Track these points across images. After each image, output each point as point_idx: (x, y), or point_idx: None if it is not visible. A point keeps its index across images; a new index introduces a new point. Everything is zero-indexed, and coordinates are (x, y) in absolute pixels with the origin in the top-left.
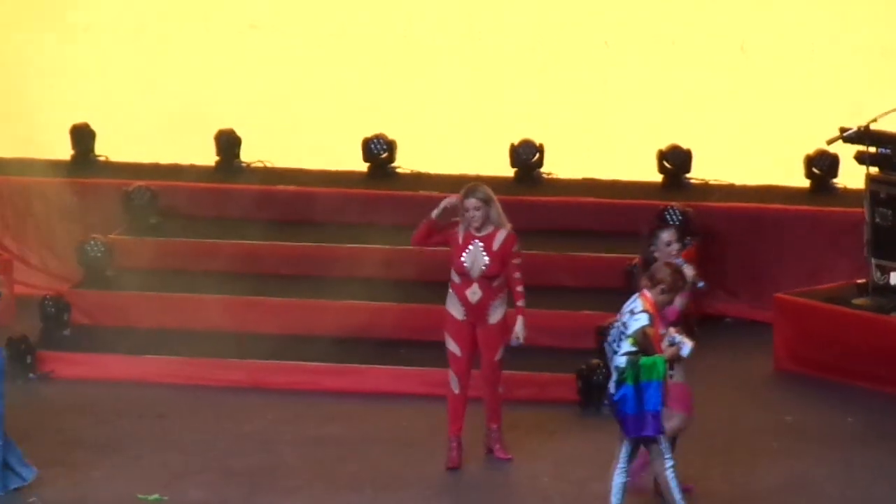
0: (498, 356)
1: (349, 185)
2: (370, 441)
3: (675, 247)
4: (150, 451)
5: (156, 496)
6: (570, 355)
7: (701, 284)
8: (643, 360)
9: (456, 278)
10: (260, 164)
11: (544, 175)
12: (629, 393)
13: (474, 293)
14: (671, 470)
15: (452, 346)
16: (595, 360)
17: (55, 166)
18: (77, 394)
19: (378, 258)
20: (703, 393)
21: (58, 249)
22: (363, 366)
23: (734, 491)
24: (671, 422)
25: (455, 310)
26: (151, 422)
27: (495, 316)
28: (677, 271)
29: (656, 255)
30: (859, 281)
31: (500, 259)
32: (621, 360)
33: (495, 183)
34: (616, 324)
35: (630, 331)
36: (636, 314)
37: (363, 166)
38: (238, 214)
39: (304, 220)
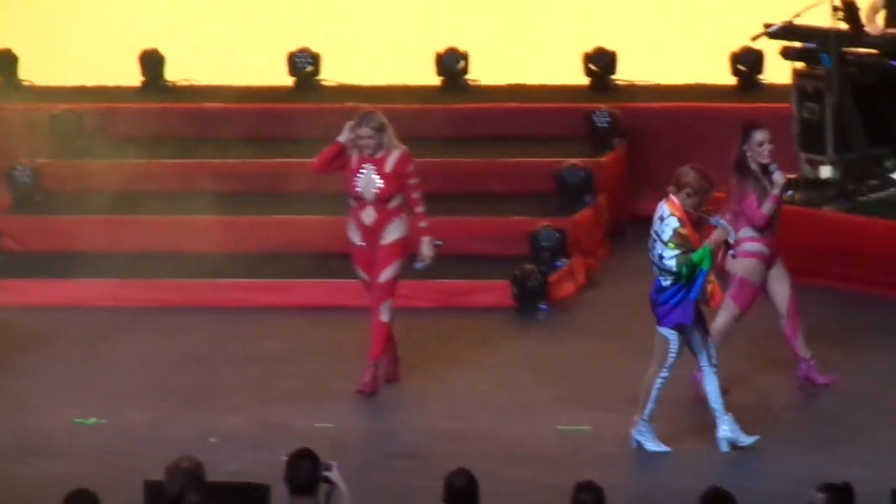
0: (385, 277)
1: (275, 100)
2: (306, 355)
3: (768, 147)
4: (87, 376)
5: (93, 419)
6: (504, 262)
7: (790, 193)
8: (694, 254)
9: (352, 202)
10: (185, 83)
11: (470, 82)
12: (679, 287)
13: (368, 215)
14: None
15: (361, 274)
16: (529, 266)
17: None
18: (9, 321)
19: (306, 172)
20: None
21: None
22: (296, 280)
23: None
24: (722, 315)
25: (354, 236)
26: (87, 346)
27: (389, 237)
28: (703, 175)
29: (749, 154)
30: (789, 176)
31: (394, 180)
32: (671, 263)
33: (423, 92)
34: (651, 234)
35: (665, 237)
36: (665, 219)
37: (289, 80)
38: (166, 133)
39: (231, 136)
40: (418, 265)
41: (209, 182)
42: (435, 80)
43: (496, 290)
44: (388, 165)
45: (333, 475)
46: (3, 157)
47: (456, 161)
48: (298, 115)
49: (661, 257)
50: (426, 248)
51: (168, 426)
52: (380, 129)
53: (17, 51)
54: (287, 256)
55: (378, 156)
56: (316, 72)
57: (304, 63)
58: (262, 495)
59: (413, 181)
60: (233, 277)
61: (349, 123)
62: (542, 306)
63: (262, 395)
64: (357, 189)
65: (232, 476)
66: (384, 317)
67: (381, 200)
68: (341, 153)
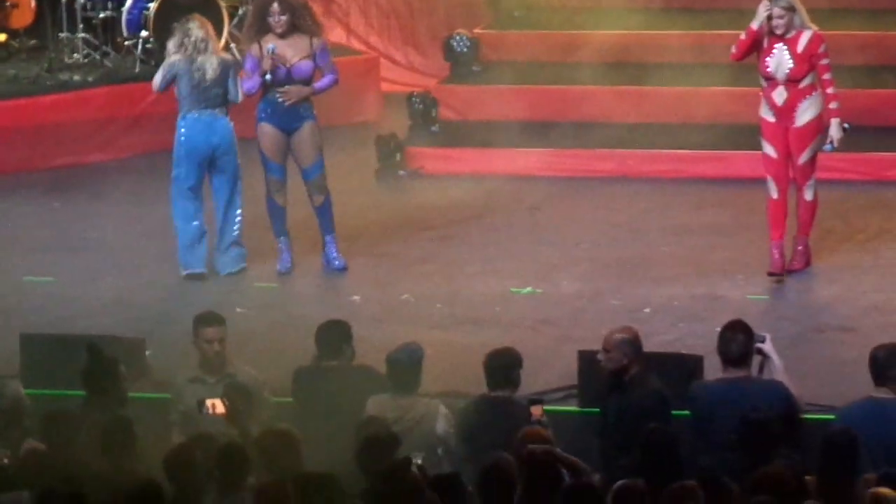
0: (804, 158)
1: None
2: (742, 227)
3: None
4: (522, 245)
5: (529, 289)
6: None
7: None
8: None
9: (763, 82)
10: None
11: None
12: None
13: (780, 95)
14: None
15: (768, 148)
16: None
17: None
18: (447, 189)
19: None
20: None
21: (422, 46)
22: (733, 151)
23: None
24: None
25: (766, 113)
26: (522, 215)
27: (803, 118)
28: None
29: None
30: None
31: (806, 60)
32: None
33: None
34: None
35: None
36: None
37: None
38: (605, 3)
39: (681, 6)
40: (826, 147)
41: (649, 53)
42: None
43: None
44: (800, 45)
45: (766, 347)
46: (442, 26)
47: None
48: None
49: None
50: (835, 130)
51: (602, 296)
52: (791, 9)
53: None
54: (722, 126)
55: (789, 36)
56: None
57: None
58: (696, 365)
59: (824, 61)
60: (667, 148)
61: (763, 5)
62: None
63: (696, 267)
64: (768, 69)
65: (666, 346)
66: (808, 195)
67: (792, 80)
68: (757, 40)
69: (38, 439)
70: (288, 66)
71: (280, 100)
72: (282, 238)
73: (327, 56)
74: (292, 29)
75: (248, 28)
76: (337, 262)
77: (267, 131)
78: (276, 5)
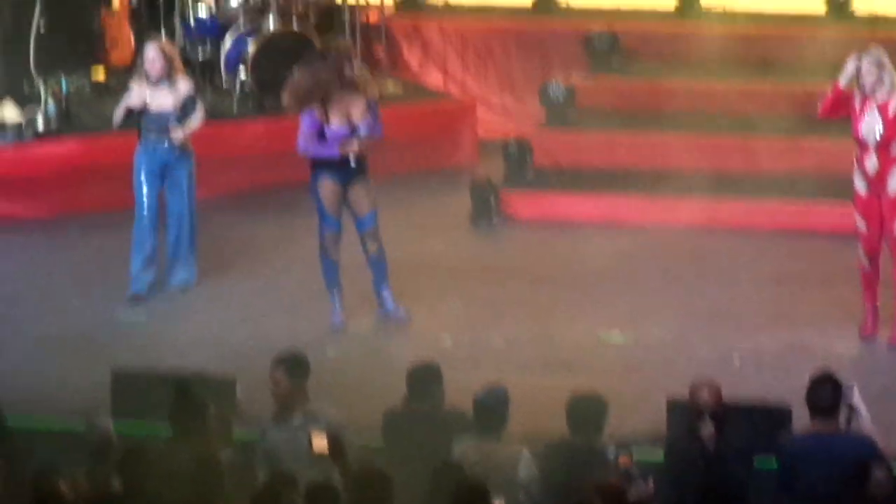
0: None
1: (810, 24)
2: (832, 279)
3: None
4: (612, 291)
5: (618, 335)
6: None
7: None
8: None
9: (856, 149)
10: (720, 9)
11: None
12: None
13: (871, 162)
14: None
15: (860, 221)
16: None
17: (516, 11)
18: (540, 234)
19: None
20: None
21: (518, 91)
22: (825, 203)
23: None
24: None
25: (859, 182)
26: (614, 261)
27: (894, 185)
28: None
29: None
30: None
31: None
32: None
33: None
34: None
35: None
36: None
37: (821, 9)
38: (697, 56)
39: (765, 60)
40: None
41: (736, 104)
42: None
43: None
44: (892, 108)
45: (854, 398)
46: (539, 72)
47: None
48: (830, 42)
49: None
50: None
51: (691, 344)
52: (880, 66)
53: None
54: (813, 179)
55: (881, 98)
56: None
57: None
58: (784, 416)
59: None
60: (762, 198)
61: (851, 59)
62: None
63: (786, 317)
64: (860, 134)
65: (754, 396)
66: None
67: (884, 145)
68: (843, 97)
69: (116, 475)
70: (353, 126)
71: (348, 156)
72: (335, 290)
73: (377, 110)
74: (352, 84)
75: (312, 85)
76: (401, 312)
77: (327, 184)
78: (350, 64)
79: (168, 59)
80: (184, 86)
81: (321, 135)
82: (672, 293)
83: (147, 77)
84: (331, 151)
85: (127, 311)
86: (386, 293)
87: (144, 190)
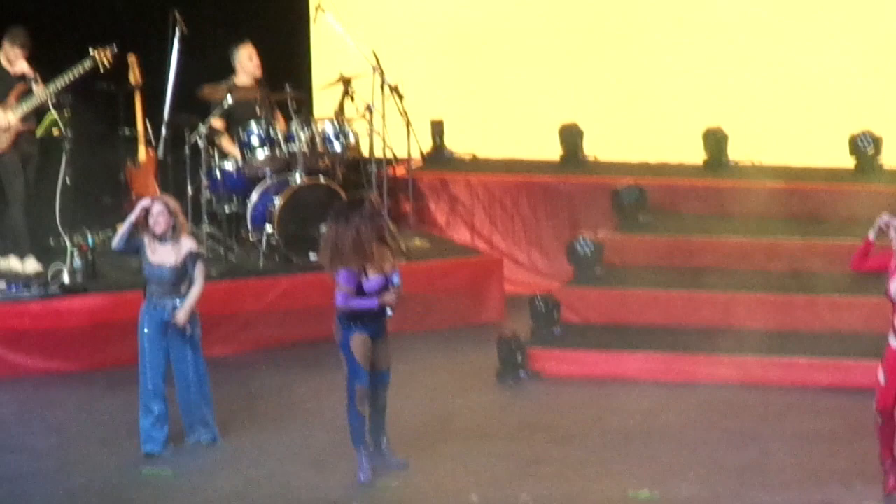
0: None
1: (836, 179)
2: (858, 436)
3: None
4: (640, 448)
5: (646, 492)
6: None
7: None
8: None
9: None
10: (748, 163)
11: None
12: None
13: None
14: None
15: (880, 374)
16: None
17: (543, 165)
18: (567, 391)
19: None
20: None
21: (546, 248)
22: (853, 360)
23: None
24: None
25: (893, 340)
26: (640, 418)
27: None
28: None
29: None
30: None
31: None
32: None
33: None
34: None
35: None
36: None
37: (850, 162)
38: (727, 211)
39: (795, 215)
40: None
41: (769, 260)
42: None
43: None
44: None
45: None
46: (567, 228)
47: None
48: (855, 195)
49: None
50: None
51: (719, 501)
52: None
53: (582, 125)
54: (839, 336)
55: None
56: (877, 154)
57: (864, 145)
58: None
59: None
60: (787, 355)
61: (881, 219)
62: None
63: (813, 474)
64: (891, 292)
65: None
66: None
67: None
68: (872, 251)
69: None
70: (387, 276)
71: (386, 308)
72: (362, 446)
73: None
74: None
75: (356, 244)
76: (402, 461)
77: (362, 339)
78: (382, 215)
79: (173, 216)
80: (187, 244)
81: (359, 288)
82: (700, 450)
83: (152, 233)
84: (371, 303)
85: (152, 465)
86: (386, 444)
87: (147, 356)
